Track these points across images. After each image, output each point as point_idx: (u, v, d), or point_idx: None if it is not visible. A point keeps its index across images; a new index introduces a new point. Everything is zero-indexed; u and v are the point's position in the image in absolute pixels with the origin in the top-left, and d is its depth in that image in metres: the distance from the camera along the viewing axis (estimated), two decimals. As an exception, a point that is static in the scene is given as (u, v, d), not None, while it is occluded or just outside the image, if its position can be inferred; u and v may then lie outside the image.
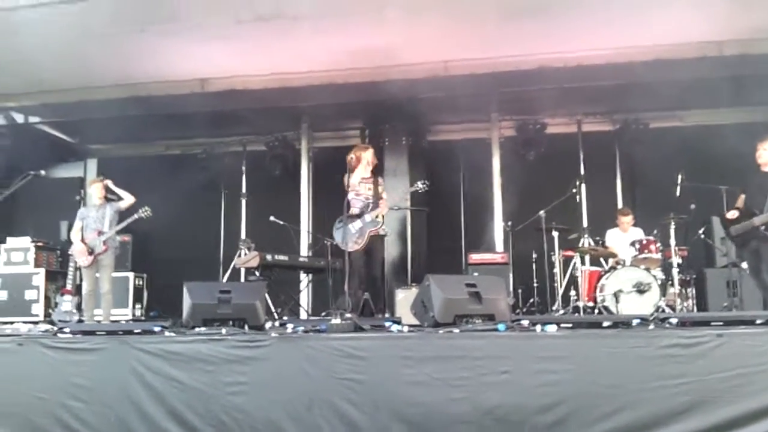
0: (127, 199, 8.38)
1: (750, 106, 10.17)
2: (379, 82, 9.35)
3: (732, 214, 6.98)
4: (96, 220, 8.31)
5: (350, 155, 7.56)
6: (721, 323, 4.65)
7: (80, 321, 8.07)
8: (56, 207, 11.29)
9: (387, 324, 5.48)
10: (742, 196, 7.05)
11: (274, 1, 7.84)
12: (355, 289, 7.34)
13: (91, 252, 8.16)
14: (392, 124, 10.54)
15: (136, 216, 8.27)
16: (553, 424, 4.29)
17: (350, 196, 7.38)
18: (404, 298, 8.26)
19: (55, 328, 6.00)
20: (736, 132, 9.28)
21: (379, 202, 7.42)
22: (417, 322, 5.60)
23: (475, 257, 9.15)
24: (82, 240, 8.23)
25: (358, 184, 7.43)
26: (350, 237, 7.20)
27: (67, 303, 8.49)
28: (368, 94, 9.67)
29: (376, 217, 7.36)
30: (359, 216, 7.34)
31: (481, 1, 7.89)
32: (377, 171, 7.87)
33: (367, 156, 7.55)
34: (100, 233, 8.20)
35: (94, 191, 8.49)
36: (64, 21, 8.04)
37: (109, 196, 8.49)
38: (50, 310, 9.19)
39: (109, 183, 8.49)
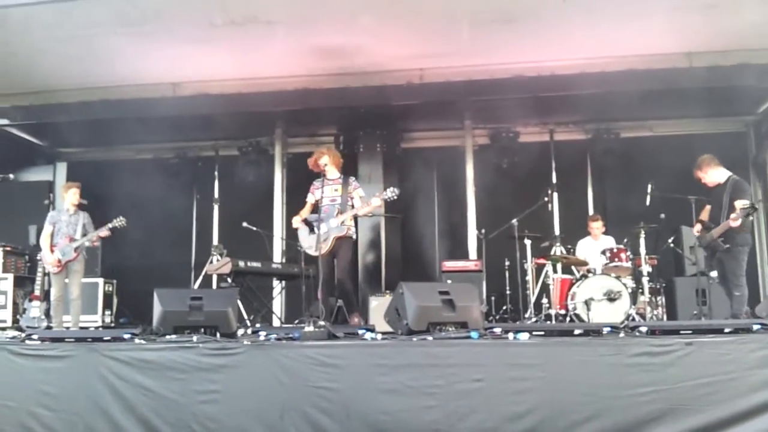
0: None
1: (719, 117, 10.36)
2: (354, 88, 9.36)
3: (696, 228, 7.21)
4: (68, 225, 8.15)
5: (315, 156, 7.50)
6: (690, 332, 4.72)
7: (48, 327, 7.94)
8: (24, 211, 11.09)
9: (360, 332, 5.48)
10: (708, 207, 7.23)
11: (247, 6, 7.81)
12: (326, 296, 7.29)
13: (60, 259, 7.99)
14: (367, 131, 10.54)
15: (110, 226, 8.11)
16: (525, 432, 4.32)
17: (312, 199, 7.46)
18: (378, 305, 8.26)
19: (23, 335, 5.90)
20: (705, 142, 9.45)
21: (347, 205, 7.35)
22: (391, 330, 5.61)
23: (449, 264, 9.15)
24: (52, 246, 8.06)
25: (323, 187, 7.39)
26: (314, 241, 7.18)
27: (35, 309, 8.36)
28: (343, 101, 9.66)
29: (342, 222, 7.26)
30: (324, 220, 7.27)
31: (455, 10, 7.92)
32: (347, 172, 7.83)
33: (327, 159, 7.46)
34: (72, 240, 8.05)
35: (70, 197, 8.27)
36: (36, 22, 7.93)
37: (82, 201, 8.34)
38: (18, 316, 9.02)
39: None
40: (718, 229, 6.79)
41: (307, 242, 7.42)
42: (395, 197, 7.32)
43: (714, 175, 7.13)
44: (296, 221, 7.48)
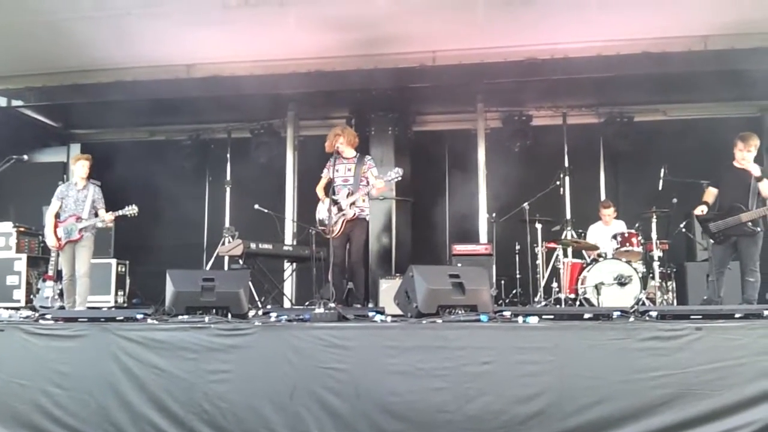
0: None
1: (734, 101, 10.26)
2: (367, 70, 9.33)
3: (701, 210, 7.02)
4: (76, 202, 7.88)
5: (331, 140, 7.46)
6: (700, 317, 4.70)
7: (62, 308, 7.98)
8: (38, 192, 11.11)
9: (370, 314, 5.50)
10: (711, 190, 7.11)
11: (261, -13, 7.82)
12: (338, 278, 7.32)
13: (61, 239, 7.79)
14: (378, 113, 10.51)
15: (120, 213, 7.88)
16: (533, 415, 4.35)
17: (334, 179, 7.41)
18: (388, 288, 8.28)
19: (37, 314, 5.96)
20: (719, 126, 9.37)
21: (360, 186, 7.30)
22: (400, 312, 5.63)
23: (459, 248, 9.15)
24: (57, 223, 7.84)
25: (337, 166, 7.42)
26: (329, 224, 7.15)
27: (48, 289, 8.38)
28: (355, 83, 9.64)
29: (352, 204, 7.26)
30: (336, 203, 7.28)
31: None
32: (362, 150, 7.81)
33: (343, 142, 7.44)
34: (79, 219, 7.82)
35: (79, 168, 7.97)
36: (50, 4, 7.94)
37: (95, 182, 8.27)
38: (32, 296, 9.11)
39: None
40: (751, 214, 6.68)
41: (322, 214, 7.35)
42: (399, 178, 7.33)
43: (753, 156, 6.88)
44: (320, 191, 7.43)
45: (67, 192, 8.00)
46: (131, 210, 7.91)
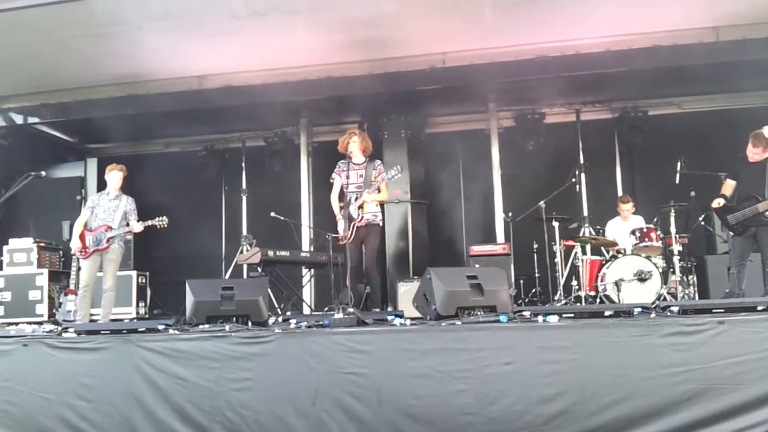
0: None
1: (747, 92, 10.15)
2: (377, 75, 9.33)
3: (718, 203, 7.01)
4: (107, 211, 7.80)
5: (345, 138, 7.54)
6: (722, 310, 4.67)
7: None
8: (57, 207, 11.30)
9: (390, 317, 5.51)
10: (730, 182, 7.07)
11: (269, -4, 7.85)
12: (354, 282, 7.33)
13: (88, 246, 7.70)
14: (391, 117, 10.53)
15: (149, 223, 7.84)
16: (557, 415, 4.33)
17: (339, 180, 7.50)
18: (406, 291, 8.29)
19: (60, 328, 6.01)
20: (735, 118, 9.30)
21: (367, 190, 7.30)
22: (419, 315, 5.63)
23: (476, 249, 9.13)
24: (86, 230, 7.79)
25: (349, 171, 7.44)
26: (341, 229, 7.30)
27: (70, 303, 8.42)
28: (366, 88, 9.63)
29: (359, 207, 7.27)
30: (348, 207, 7.35)
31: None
32: (373, 157, 7.81)
33: (356, 141, 7.49)
34: (109, 228, 7.73)
35: (112, 179, 7.91)
36: (61, 21, 8.03)
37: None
38: (54, 310, 9.20)
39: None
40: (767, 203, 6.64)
41: (340, 225, 7.48)
42: (399, 175, 7.32)
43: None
44: (334, 200, 7.52)
45: (98, 201, 7.95)
46: (161, 221, 7.87)
